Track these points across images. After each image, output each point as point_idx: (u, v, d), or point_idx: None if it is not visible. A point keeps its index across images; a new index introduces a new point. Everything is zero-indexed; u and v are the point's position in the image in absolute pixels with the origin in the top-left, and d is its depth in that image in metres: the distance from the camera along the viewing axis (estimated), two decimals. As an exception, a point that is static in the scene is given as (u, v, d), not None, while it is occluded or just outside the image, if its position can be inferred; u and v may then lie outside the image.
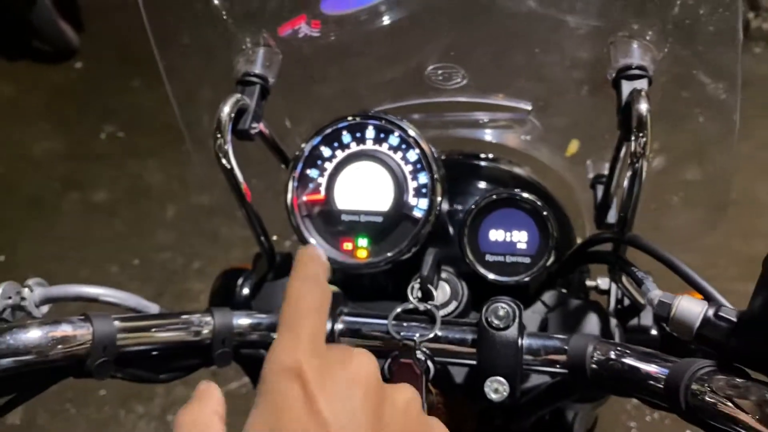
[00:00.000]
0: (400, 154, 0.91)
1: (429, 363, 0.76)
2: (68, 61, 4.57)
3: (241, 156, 0.88)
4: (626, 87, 0.85)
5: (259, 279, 0.97)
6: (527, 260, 0.90)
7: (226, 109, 0.87)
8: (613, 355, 0.69)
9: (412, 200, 0.90)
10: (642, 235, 0.79)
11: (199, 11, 1.00)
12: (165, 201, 3.54)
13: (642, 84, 0.85)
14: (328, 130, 0.93)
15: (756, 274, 0.56)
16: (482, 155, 1.16)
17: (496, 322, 0.74)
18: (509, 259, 0.90)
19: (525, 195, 0.90)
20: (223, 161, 0.86)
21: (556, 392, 0.81)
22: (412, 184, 0.91)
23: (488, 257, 0.91)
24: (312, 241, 0.92)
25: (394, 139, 0.92)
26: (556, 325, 0.89)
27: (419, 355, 0.76)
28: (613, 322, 0.86)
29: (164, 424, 2.72)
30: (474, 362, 0.75)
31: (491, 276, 0.90)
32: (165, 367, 0.85)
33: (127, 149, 3.87)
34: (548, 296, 0.94)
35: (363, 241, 0.91)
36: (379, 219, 0.91)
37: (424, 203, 0.90)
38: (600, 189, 1.05)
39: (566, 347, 0.73)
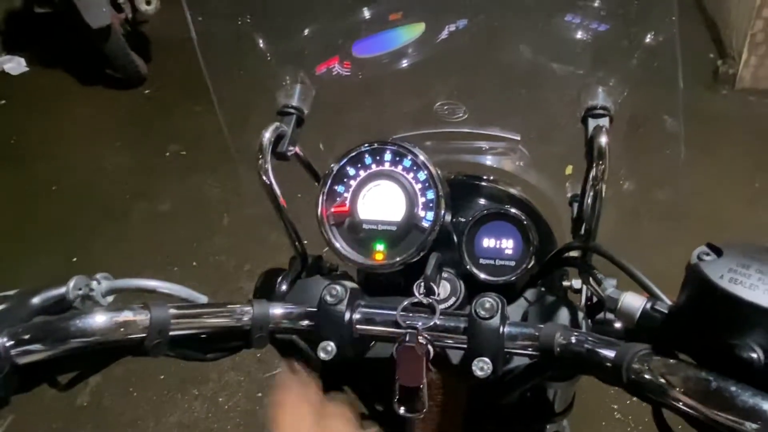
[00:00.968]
0: (411, 174, 0.95)
1: (429, 347, 0.79)
2: (138, 87, 4.68)
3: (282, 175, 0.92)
4: (591, 123, 0.89)
5: (293, 277, 0.99)
6: (512, 263, 0.95)
7: (267, 135, 0.92)
8: (574, 340, 0.73)
9: (421, 213, 0.94)
10: (603, 244, 0.84)
11: (247, 52, 1.05)
12: (222, 211, 3.61)
13: (604, 122, 0.89)
14: (353, 153, 0.97)
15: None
16: (481, 177, 1.19)
17: (482, 313, 0.77)
18: (498, 262, 0.95)
19: (512, 210, 0.95)
20: (264, 178, 0.90)
21: (531, 372, 0.85)
22: (421, 200, 0.94)
23: (481, 260, 0.96)
24: (337, 245, 0.95)
25: (407, 162, 0.95)
26: (534, 317, 0.92)
27: (421, 340, 0.78)
28: (581, 315, 0.89)
29: (215, 405, 2.75)
30: (465, 346, 0.79)
31: (483, 276, 0.95)
32: (211, 348, 0.88)
33: (189, 166, 3.95)
34: (530, 293, 0.98)
35: (380, 246, 0.95)
36: (394, 228, 0.94)
37: (430, 215, 0.93)
38: (576, 206, 1.08)
39: (538, 334, 0.77)
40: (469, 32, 1.12)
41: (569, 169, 1.21)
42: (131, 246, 3.50)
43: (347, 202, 0.97)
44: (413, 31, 1.14)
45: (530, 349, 0.78)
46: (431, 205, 0.94)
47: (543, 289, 1.01)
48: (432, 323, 0.80)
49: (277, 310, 0.87)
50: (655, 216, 2.50)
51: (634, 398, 0.67)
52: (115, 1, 4.36)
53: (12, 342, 0.72)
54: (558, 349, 0.75)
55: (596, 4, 1.03)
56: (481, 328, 0.77)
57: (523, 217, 0.95)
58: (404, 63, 1.13)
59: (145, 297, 0.85)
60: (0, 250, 3.49)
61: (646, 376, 0.64)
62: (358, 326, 0.83)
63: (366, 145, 0.97)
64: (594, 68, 0.97)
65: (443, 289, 0.96)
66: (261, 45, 1.05)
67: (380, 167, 0.97)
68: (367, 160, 0.97)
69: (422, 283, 0.85)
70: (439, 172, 0.96)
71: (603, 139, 0.84)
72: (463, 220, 1.04)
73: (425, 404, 0.79)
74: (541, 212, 1.14)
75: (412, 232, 0.94)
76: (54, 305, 0.82)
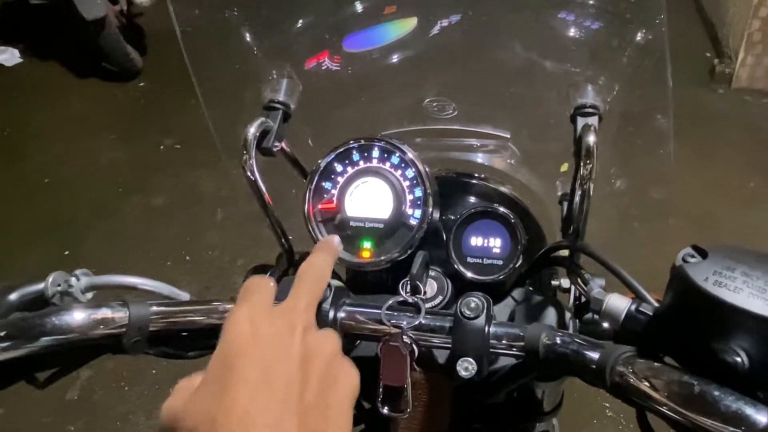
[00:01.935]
0: (399, 171, 0.94)
1: (414, 346, 0.78)
2: (133, 81, 4.67)
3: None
4: (580, 122, 0.89)
5: (281, 274, 0.99)
6: (500, 262, 0.94)
7: (252, 130, 0.92)
8: (559, 341, 0.72)
9: (408, 210, 0.93)
10: (590, 244, 0.84)
11: (233, 46, 1.04)
12: (215, 206, 3.59)
13: (593, 120, 0.89)
14: (341, 150, 0.96)
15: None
16: (470, 174, 1.18)
17: (467, 312, 0.76)
18: (486, 261, 0.95)
19: (500, 209, 0.94)
20: (248, 174, 0.90)
21: (517, 372, 0.84)
22: (409, 197, 0.93)
23: (469, 259, 0.95)
24: None
25: (395, 159, 0.94)
26: (521, 316, 0.92)
27: (406, 339, 0.78)
28: (568, 315, 0.89)
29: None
30: (449, 346, 0.77)
31: (470, 275, 0.94)
32: (193, 346, 0.87)
33: (183, 160, 3.94)
34: (517, 293, 0.97)
35: (367, 244, 0.94)
36: (381, 225, 0.93)
37: (418, 213, 0.93)
38: (566, 205, 1.05)
39: (524, 334, 0.75)
40: (461, 28, 1.12)
41: (565, 167, 1.20)
42: (124, 240, 3.49)
43: (334, 199, 0.96)
44: (405, 26, 1.14)
45: (515, 350, 0.77)
46: (419, 202, 0.93)
47: (531, 288, 1.01)
48: (417, 322, 0.79)
49: (261, 307, 0.86)
50: (646, 216, 2.49)
51: (622, 398, 0.66)
52: (110, -7, 4.34)
53: (-12, 338, 0.71)
54: (543, 349, 0.74)
55: (588, 2, 1.02)
56: (465, 328, 0.77)
57: (512, 216, 0.94)
58: (395, 58, 1.13)
59: (126, 294, 0.85)
60: (-8, 244, 3.47)
61: (630, 379, 0.63)
62: (342, 323, 0.82)
63: (353, 141, 0.96)
64: (584, 66, 0.96)
65: (430, 287, 0.95)
66: (248, 38, 1.04)
67: (368, 164, 0.96)
68: (355, 156, 0.96)
69: (408, 282, 0.84)
70: (427, 169, 0.95)
71: (591, 138, 0.84)
72: (452, 217, 1.03)
73: (410, 404, 0.78)
74: (531, 211, 1.14)
75: (400, 229, 0.94)
76: (32, 302, 0.81)
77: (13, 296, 0.80)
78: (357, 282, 1.00)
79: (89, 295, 0.87)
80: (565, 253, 0.92)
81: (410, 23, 1.13)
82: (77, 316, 0.74)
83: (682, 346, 0.63)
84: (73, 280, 0.85)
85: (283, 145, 0.99)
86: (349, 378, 0.64)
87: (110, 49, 4.40)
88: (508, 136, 1.19)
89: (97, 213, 3.66)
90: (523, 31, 1.07)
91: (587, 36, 1.00)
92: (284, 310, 0.65)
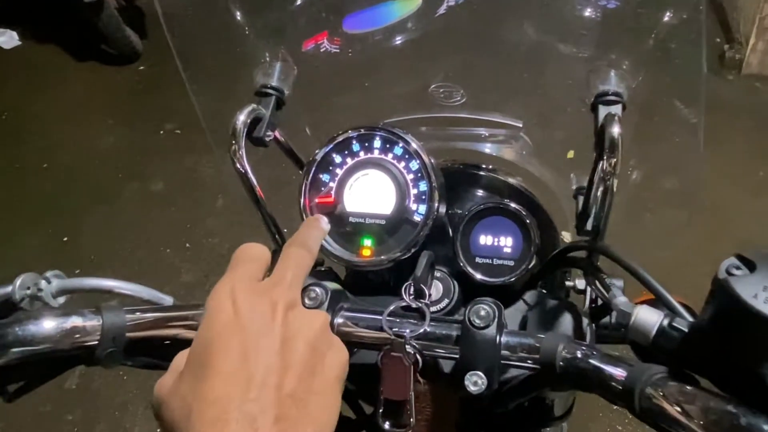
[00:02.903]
0: (403, 163, 0.90)
1: (417, 356, 0.74)
2: (132, 64, 4.61)
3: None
4: (602, 111, 0.83)
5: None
6: (511, 263, 0.89)
7: (242, 118, 0.87)
8: (579, 354, 0.67)
9: (412, 205, 0.89)
10: (612, 245, 0.78)
11: (223, 26, 1.00)
12: (216, 192, 3.54)
13: (616, 109, 0.83)
14: (340, 139, 0.92)
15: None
16: (479, 166, 1.14)
17: (477, 321, 0.71)
18: (496, 261, 0.89)
19: (512, 205, 0.89)
20: (238, 165, 0.86)
21: (530, 384, 0.79)
22: (413, 191, 0.89)
23: (478, 259, 0.90)
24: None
25: (398, 150, 0.90)
26: (534, 322, 0.86)
27: (409, 348, 0.73)
28: (585, 321, 0.84)
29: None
30: (457, 357, 0.73)
31: (479, 276, 0.89)
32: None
33: (183, 145, 3.89)
34: (529, 296, 0.92)
35: (368, 242, 0.90)
36: (383, 221, 0.89)
37: (423, 208, 0.88)
38: (581, 199, 1.02)
39: (539, 345, 0.71)
40: (470, 7, 1.06)
41: (571, 153, 1.17)
42: (123, 226, 3.46)
43: (332, 193, 0.91)
44: (409, 4, 1.08)
45: (530, 362, 0.71)
46: (424, 197, 0.89)
47: (544, 291, 0.95)
48: (421, 330, 0.74)
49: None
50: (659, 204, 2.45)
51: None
52: (108, -26, 4.27)
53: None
54: (561, 363, 0.69)
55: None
56: (475, 339, 0.72)
57: (524, 213, 0.89)
58: (398, 40, 1.08)
59: (102, 298, 0.79)
60: (-11, 229, 3.45)
61: (662, 404, 0.58)
62: (340, 330, 0.78)
63: (353, 130, 0.92)
64: (605, 49, 0.90)
65: (435, 289, 0.91)
66: (238, 17, 0.99)
67: (369, 155, 0.92)
68: (355, 146, 0.92)
69: (411, 285, 0.79)
70: (433, 161, 0.90)
71: (615, 129, 0.78)
72: (459, 213, 0.98)
73: (412, 418, 0.73)
74: (543, 206, 1.10)
75: (403, 226, 0.89)
76: (-1, 306, 0.76)
77: (-23, 300, 0.75)
78: (356, 282, 0.95)
79: (61, 299, 0.81)
80: (582, 253, 0.86)
81: (415, 2, 1.08)
82: (46, 326, 0.70)
83: (723, 368, 0.57)
84: (43, 283, 0.80)
85: (277, 134, 0.94)
86: (338, 358, 0.63)
87: (109, 31, 4.33)
88: (521, 125, 1.14)
89: (96, 199, 3.63)
90: (538, 10, 1.02)
91: (609, 15, 0.94)
92: (268, 285, 0.64)
